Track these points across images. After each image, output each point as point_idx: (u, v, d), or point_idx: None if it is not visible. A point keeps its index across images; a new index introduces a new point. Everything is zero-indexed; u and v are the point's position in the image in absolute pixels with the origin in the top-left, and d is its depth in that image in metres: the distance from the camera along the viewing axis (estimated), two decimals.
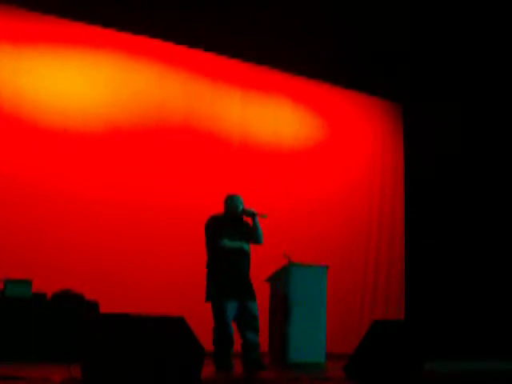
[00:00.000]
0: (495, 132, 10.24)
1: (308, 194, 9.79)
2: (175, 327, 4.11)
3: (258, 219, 6.12)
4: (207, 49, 9.16)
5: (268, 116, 9.78)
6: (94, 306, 6.81)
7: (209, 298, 6.03)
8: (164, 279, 8.27)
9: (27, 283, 6.62)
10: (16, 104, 7.85)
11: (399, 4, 8.77)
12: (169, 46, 8.95)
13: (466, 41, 9.33)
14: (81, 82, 8.30)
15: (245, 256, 6.10)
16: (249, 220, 6.20)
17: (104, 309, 6.58)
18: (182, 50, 9.07)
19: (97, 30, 8.44)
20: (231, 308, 5.91)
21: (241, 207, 6.15)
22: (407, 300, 10.52)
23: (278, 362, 6.81)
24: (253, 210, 6.15)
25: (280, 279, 6.90)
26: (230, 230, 6.09)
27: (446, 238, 10.41)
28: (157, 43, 8.86)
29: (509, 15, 8.81)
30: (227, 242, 6.00)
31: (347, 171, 10.32)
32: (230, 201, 6.18)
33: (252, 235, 6.13)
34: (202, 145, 9.02)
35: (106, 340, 3.75)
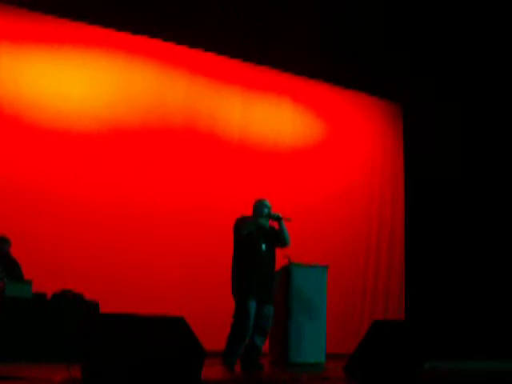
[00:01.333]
0: (495, 132, 10.23)
1: (308, 193, 9.78)
2: (175, 327, 4.11)
3: (284, 222, 6.20)
4: (207, 49, 9.16)
5: (268, 116, 9.78)
6: (94, 305, 6.81)
7: (235, 295, 6.06)
8: (164, 279, 8.27)
9: (27, 283, 6.62)
10: (16, 104, 7.85)
11: (399, 4, 8.76)
12: (169, 46, 8.95)
13: (466, 41, 9.32)
14: (81, 82, 8.30)
15: (269, 255, 6.16)
16: (275, 224, 6.28)
17: (104, 309, 6.57)
18: (182, 50, 9.07)
19: (97, 30, 8.43)
20: (253, 308, 5.96)
21: (266, 211, 6.24)
22: (407, 300, 10.52)
23: (278, 362, 6.81)
24: (278, 213, 6.23)
25: (280, 279, 6.89)
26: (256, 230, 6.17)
27: (446, 238, 10.41)
28: (157, 43, 8.86)
29: (508, 15, 8.80)
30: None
31: (347, 171, 10.31)
32: (257, 205, 6.29)
33: (279, 238, 6.21)
34: (202, 145, 9.01)
35: (106, 340, 3.74)
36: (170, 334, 4.03)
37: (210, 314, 7.99)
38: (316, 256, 8.37)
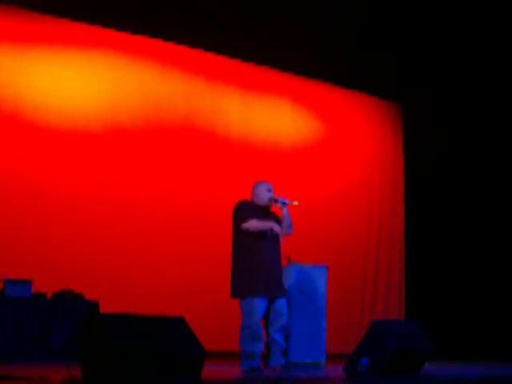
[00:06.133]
0: (496, 132, 10.23)
1: (308, 194, 9.76)
2: (175, 327, 4.11)
3: (287, 208, 5.71)
4: (207, 49, 9.16)
5: (268, 116, 9.78)
6: (93, 305, 6.82)
7: (237, 294, 5.61)
8: (164, 279, 8.27)
9: (27, 283, 6.62)
10: (16, 104, 7.85)
11: (400, 4, 8.76)
12: (169, 46, 8.95)
13: (467, 40, 9.32)
14: (81, 82, 8.30)
15: (276, 244, 5.69)
16: (277, 209, 5.80)
17: (104, 309, 6.58)
18: (182, 50, 9.07)
19: (97, 30, 8.43)
20: (262, 305, 5.53)
21: (269, 195, 5.73)
22: (407, 300, 10.52)
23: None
24: (283, 197, 5.74)
25: None
26: (261, 217, 5.63)
27: (446, 238, 10.41)
28: (157, 43, 8.86)
29: (509, 15, 8.80)
30: (255, 223, 5.51)
31: (347, 171, 10.31)
32: (259, 188, 5.77)
33: (282, 225, 5.67)
34: (201, 145, 9.02)
35: (106, 340, 3.75)
36: (170, 334, 4.03)
37: (210, 314, 7.99)
38: (316, 256, 8.37)
